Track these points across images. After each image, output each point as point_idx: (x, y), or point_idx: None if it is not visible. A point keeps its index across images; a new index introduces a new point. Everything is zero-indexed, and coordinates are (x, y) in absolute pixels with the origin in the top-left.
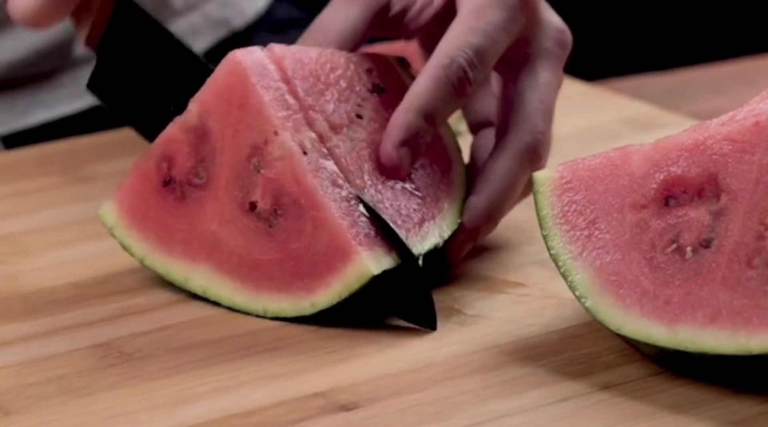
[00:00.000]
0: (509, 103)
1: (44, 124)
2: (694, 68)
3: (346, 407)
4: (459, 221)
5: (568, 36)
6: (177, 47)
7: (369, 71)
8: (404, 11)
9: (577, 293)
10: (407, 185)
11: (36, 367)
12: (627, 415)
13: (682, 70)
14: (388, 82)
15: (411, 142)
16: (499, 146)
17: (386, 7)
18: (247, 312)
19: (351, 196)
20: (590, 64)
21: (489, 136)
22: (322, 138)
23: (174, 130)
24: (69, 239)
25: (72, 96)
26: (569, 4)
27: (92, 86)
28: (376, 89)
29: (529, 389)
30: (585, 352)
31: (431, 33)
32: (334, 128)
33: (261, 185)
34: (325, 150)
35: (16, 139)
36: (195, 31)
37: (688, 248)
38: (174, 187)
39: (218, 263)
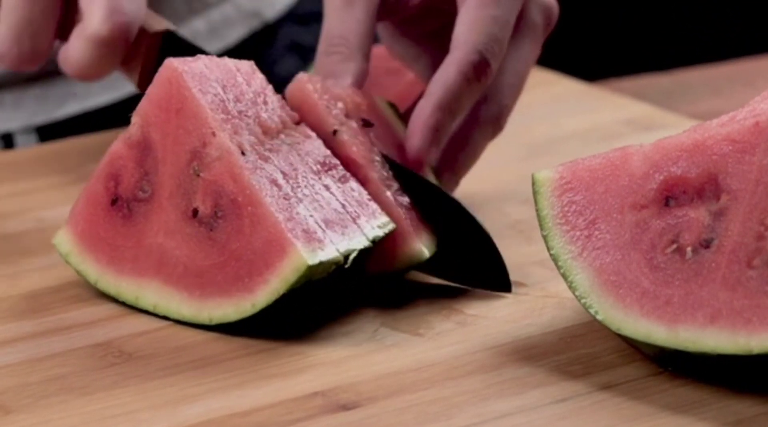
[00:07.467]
0: None
1: (77, 115)
2: (694, 69)
3: (346, 407)
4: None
5: (555, 12)
6: None
7: (357, 106)
8: None
9: (576, 293)
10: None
11: (36, 366)
12: (627, 415)
13: (682, 70)
14: (374, 118)
15: (437, 138)
16: (470, 118)
17: None
18: (194, 324)
19: (291, 195)
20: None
21: None
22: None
23: (119, 146)
24: None
25: (105, 88)
26: (570, 4)
27: None
28: (364, 123)
29: (529, 389)
30: (585, 352)
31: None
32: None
33: (201, 189)
34: (266, 153)
35: (50, 131)
36: (227, 22)
37: (688, 248)
38: (121, 205)
39: (166, 276)
